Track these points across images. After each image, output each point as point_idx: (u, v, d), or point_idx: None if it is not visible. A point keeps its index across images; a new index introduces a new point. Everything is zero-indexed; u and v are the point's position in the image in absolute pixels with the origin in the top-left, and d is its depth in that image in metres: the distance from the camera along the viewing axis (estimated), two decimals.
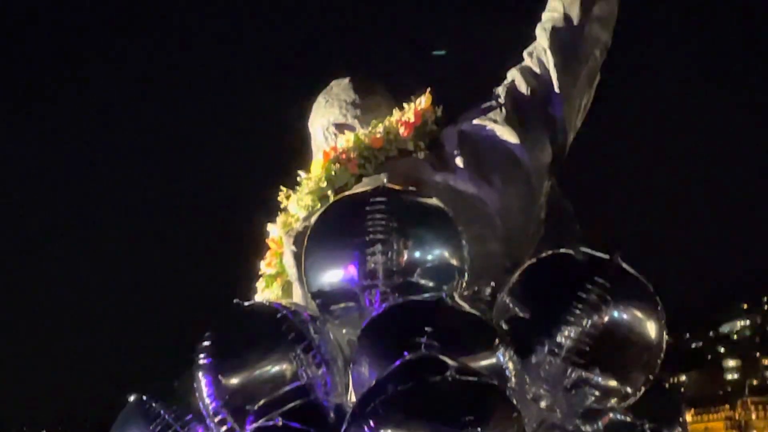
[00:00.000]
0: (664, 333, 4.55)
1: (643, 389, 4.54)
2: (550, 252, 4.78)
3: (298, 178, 5.34)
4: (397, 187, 4.73)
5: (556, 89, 5.32)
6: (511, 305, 4.55)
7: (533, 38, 5.50)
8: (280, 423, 4.14)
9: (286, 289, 5.29)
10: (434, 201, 4.72)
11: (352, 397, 4.47)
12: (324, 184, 5.23)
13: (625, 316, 4.41)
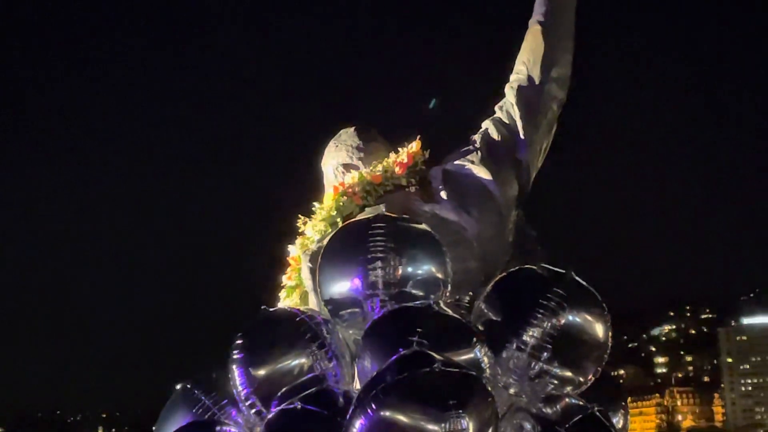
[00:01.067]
0: (610, 333, 4.53)
1: (592, 379, 4.53)
2: (517, 268, 4.77)
3: (313, 208, 5.35)
4: (393, 216, 4.74)
5: (522, 136, 5.33)
6: (485, 311, 4.55)
7: (503, 95, 5.51)
8: (299, 406, 4.12)
9: (304, 298, 5.29)
10: (423, 227, 4.73)
11: (357, 385, 4.44)
12: (334, 213, 5.25)
13: (578, 320, 4.41)
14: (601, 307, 4.45)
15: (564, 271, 4.46)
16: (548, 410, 4.34)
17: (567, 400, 4.39)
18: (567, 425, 4.26)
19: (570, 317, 4.34)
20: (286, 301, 5.36)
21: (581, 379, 4.44)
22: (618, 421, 4.61)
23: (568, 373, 4.38)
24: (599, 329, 4.43)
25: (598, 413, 4.33)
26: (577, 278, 4.44)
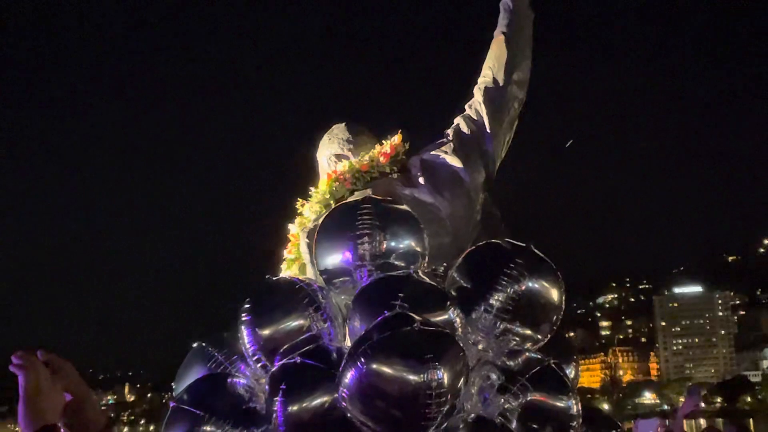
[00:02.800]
0: (563, 298, 4.55)
1: (549, 336, 4.54)
2: (484, 242, 4.78)
3: (310, 192, 5.34)
4: (378, 198, 4.73)
5: (488, 130, 5.35)
6: (457, 278, 4.54)
7: (472, 95, 5.53)
8: (299, 361, 4.11)
9: (302, 269, 5.29)
10: (404, 207, 4.72)
11: (348, 343, 4.44)
12: (328, 196, 5.25)
13: (537, 286, 4.41)
14: (557, 275, 4.45)
15: (524, 245, 4.47)
16: (511, 363, 4.35)
17: (527, 354, 4.40)
18: (527, 375, 4.27)
19: (530, 284, 4.34)
20: (286, 271, 5.35)
21: (539, 337, 4.45)
22: (570, 372, 4.62)
23: (528, 332, 4.38)
24: (555, 294, 4.44)
25: (553, 365, 4.35)
26: (536, 251, 4.45)
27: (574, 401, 4.29)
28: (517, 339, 4.42)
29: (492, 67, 5.51)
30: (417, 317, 3.88)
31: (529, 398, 4.23)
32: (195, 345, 4.80)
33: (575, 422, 4.29)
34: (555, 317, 4.53)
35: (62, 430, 2.51)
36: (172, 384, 4.92)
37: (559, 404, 4.26)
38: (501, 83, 5.43)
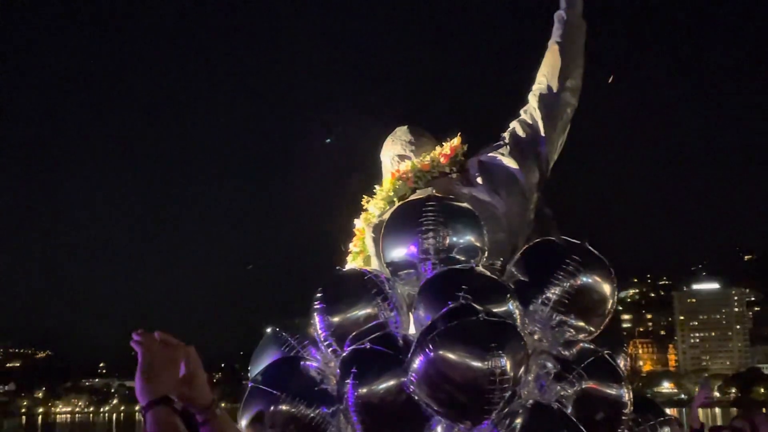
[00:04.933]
0: (615, 293, 4.51)
1: (601, 328, 4.50)
2: (541, 239, 4.75)
3: (374, 190, 5.34)
4: (441, 196, 4.72)
5: (542, 134, 5.30)
6: (516, 273, 4.51)
7: (527, 101, 5.50)
8: (368, 346, 4.11)
9: (366, 261, 5.29)
10: (465, 205, 4.70)
11: (412, 331, 4.44)
12: (391, 194, 5.24)
13: (590, 281, 4.36)
14: (609, 272, 4.41)
15: (580, 243, 4.43)
16: (566, 352, 4.31)
17: (581, 345, 4.36)
18: (582, 364, 4.23)
19: (584, 279, 4.30)
20: (352, 263, 5.36)
21: (592, 329, 4.41)
22: (621, 362, 4.58)
23: (582, 324, 4.34)
24: (607, 289, 4.40)
25: (606, 356, 4.30)
26: (591, 248, 4.40)
27: (626, 389, 4.25)
28: (572, 330, 4.38)
29: (546, 75, 5.45)
30: (480, 308, 3.87)
31: (583, 386, 4.19)
32: (269, 330, 4.83)
33: (627, 409, 4.24)
34: (607, 310, 4.49)
35: (175, 401, 2.55)
36: (223, 365, 4.94)
37: (612, 392, 4.22)
38: (555, 90, 5.38)
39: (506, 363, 3.72)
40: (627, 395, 4.24)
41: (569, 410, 4.11)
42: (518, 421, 3.86)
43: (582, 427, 3.89)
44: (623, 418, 4.24)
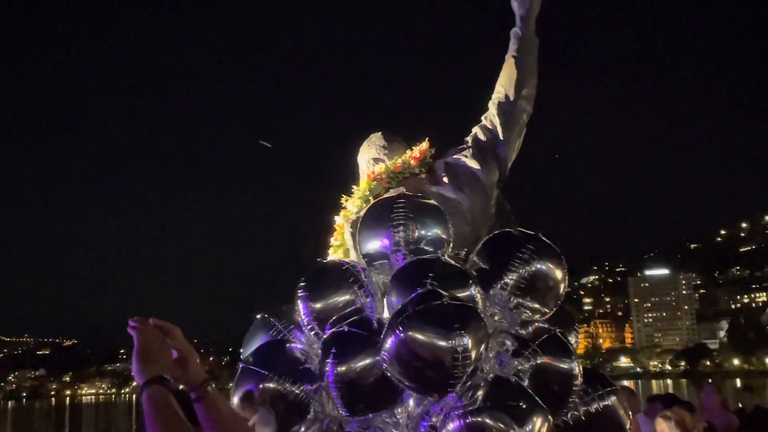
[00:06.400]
0: (566, 278, 4.50)
1: (554, 309, 4.49)
2: (499, 231, 4.73)
3: (352, 190, 5.31)
4: (409, 194, 4.70)
5: (501, 138, 5.29)
6: (478, 261, 4.50)
7: (487, 108, 5.49)
8: (346, 329, 4.09)
9: (345, 253, 5.25)
10: (431, 202, 4.68)
11: (386, 314, 4.41)
12: (367, 193, 5.21)
13: (544, 267, 4.35)
14: (560, 258, 4.40)
15: (534, 233, 4.42)
16: (523, 332, 4.30)
17: (536, 324, 4.35)
18: (536, 342, 4.22)
19: (538, 265, 4.29)
20: (333, 255, 5.32)
21: (546, 310, 4.40)
22: (572, 339, 4.57)
23: (537, 305, 4.33)
24: (559, 274, 4.39)
25: (559, 333, 4.30)
26: (543, 238, 4.39)
27: (576, 364, 4.24)
28: (528, 312, 4.37)
29: (504, 85, 5.44)
30: (445, 293, 3.86)
31: (538, 361, 4.18)
32: (258, 316, 4.79)
33: (577, 381, 4.23)
34: (559, 294, 4.48)
35: (170, 381, 2.53)
36: (231, 349, 4.91)
37: (564, 366, 4.21)
38: (512, 98, 5.37)
39: (468, 342, 3.71)
40: (577, 368, 4.23)
41: (526, 383, 4.09)
42: (480, 393, 3.84)
43: (537, 398, 3.87)
44: (574, 388, 4.23)
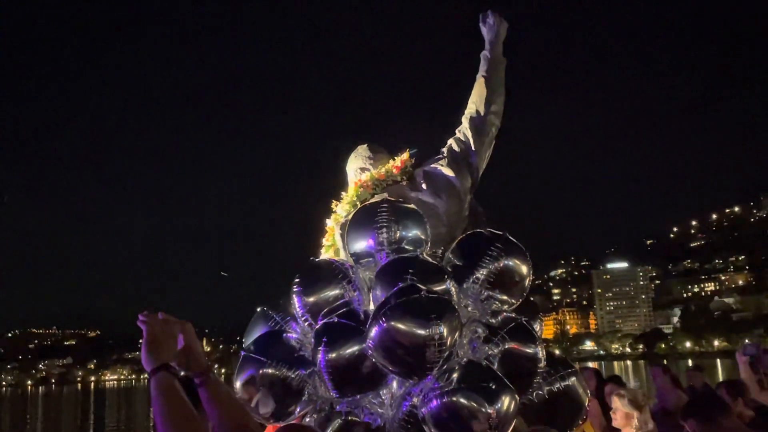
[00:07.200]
0: (531, 272, 4.52)
1: (520, 300, 4.51)
2: (471, 231, 4.75)
3: (341, 196, 5.31)
4: (393, 200, 4.70)
5: (473, 148, 5.30)
6: (452, 258, 4.50)
7: (461, 122, 5.51)
8: (336, 320, 4.09)
9: (336, 253, 5.24)
10: (411, 206, 4.68)
11: (372, 307, 4.42)
12: (355, 199, 5.21)
13: (510, 263, 4.36)
14: (525, 255, 4.41)
15: (501, 233, 4.44)
16: (493, 320, 4.31)
17: (505, 314, 4.36)
18: (505, 329, 4.24)
19: (505, 261, 4.30)
20: (325, 255, 5.32)
21: (513, 301, 4.41)
22: (537, 327, 4.59)
23: (505, 297, 4.34)
24: (524, 269, 4.40)
25: (524, 322, 4.31)
26: (510, 237, 4.41)
27: (540, 348, 4.26)
28: (497, 303, 4.38)
29: (475, 102, 5.47)
30: (423, 287, 3.88)
31: (506, 347, 4.20)
32: (259, 309, 4.79)
33: (541, 364, 4.26)
34: (524, 286, 4.50)
35: (175, 368, 2.55)
36: (239, 338, 4.92)
37: (530, 351, 4.23)
38: (482, 113, 5.39)
39: (444, 330, 3.72)
40: (541, 353, 4.25)
41: (495, 366, 4.11)
42: (455, 375, 3.85)
43: (506, 379, 3.89)
44: (538, 371, 4.25)
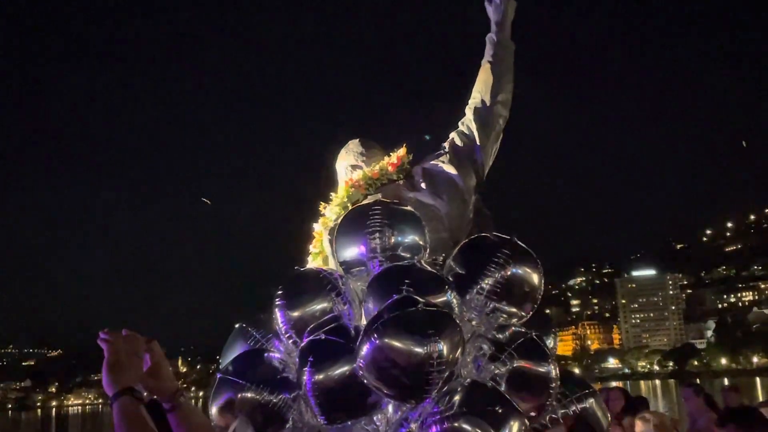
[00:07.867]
0: (542, 281, 4.52)
1: (530, 313, 4.50)
2: (476, 236, 4.75)
3: (331, 197, 5.30)
4: (387, 201, 4.69)
5: (477, 143, 5.30)
6: (454, 266, 4.50)
7: (464, 113, 5.52)
8: (323, 337, 4.08)
9: (324, 261, 5.23)
10: (408, 208, 4.68)
11: (364, 322, 4.41)
12: (345, 200, 5.20)
13: (519, 272, 4.36)
14: (536, 262, 4.41)
15: (509, 237, 4.43)
16: (499, 336, 4.30)
17: (513, 328, 4.36)
18: (513, 346, 4.24)
19: (514, 270, 4.29)
20: (312, 263, 5.30)
21: (522, 314, 4.40)
22: (550, 342, 4.58)
23: (513, 310, 4.33)
24: (535, 278, 4.40)
25: (535, 337, 4.31)
26: (519, 242, 4.41)
27: (553, 367, 4.24)
28: (504, 316, 4.37)
29: (480, 91, 5.46)
30: (420, 299, 3.85)
31: (515, 365, 4.19)
32: (237, 326, 4.77)
33: (554, 384, 4.25)
34: (535, 297, 4.48)
35: (141, 392, 2.54)
36: (218, 357, 4.91)
37: (541, 369, 4.22)
38: (488, 104, 5.39)
39: (443, 347, 3.70)
40: (554, 372, 4.23)
41: (503, 387, 4.11)
42: (456, 398, 3.85)
43: (513, 402, 3.88)
44: (551, 392, 4.24)
